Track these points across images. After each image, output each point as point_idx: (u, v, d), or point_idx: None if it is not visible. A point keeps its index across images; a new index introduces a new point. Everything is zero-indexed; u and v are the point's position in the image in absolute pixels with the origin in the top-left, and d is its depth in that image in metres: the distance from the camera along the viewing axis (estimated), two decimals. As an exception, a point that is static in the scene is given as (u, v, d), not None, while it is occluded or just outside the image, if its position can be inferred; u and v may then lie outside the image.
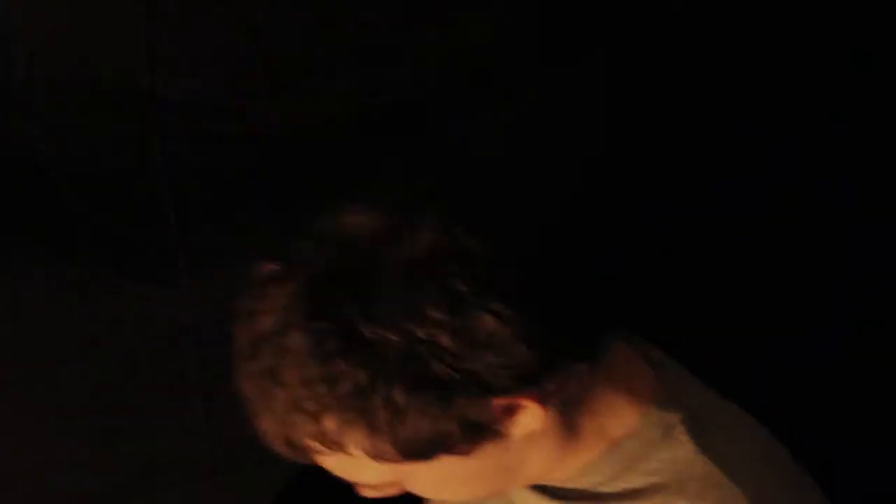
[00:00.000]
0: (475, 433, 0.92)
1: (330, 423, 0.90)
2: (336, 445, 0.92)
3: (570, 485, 1.04)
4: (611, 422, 1.02)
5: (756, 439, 1.07)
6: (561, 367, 0.95)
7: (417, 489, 1.00)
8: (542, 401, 0.94)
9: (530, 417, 0.94)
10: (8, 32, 1.26)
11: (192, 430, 1.49)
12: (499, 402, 0.92)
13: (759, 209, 1.61)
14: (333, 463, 0.97)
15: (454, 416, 0.90)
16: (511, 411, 0.93)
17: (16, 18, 1.26)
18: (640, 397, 1.03)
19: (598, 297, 0.99)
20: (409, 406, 0.89)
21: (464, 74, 1.39)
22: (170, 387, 1.47)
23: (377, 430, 0.90)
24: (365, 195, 0.97)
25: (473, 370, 0.89)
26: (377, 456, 0.92)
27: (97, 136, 1.33)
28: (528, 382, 0.92)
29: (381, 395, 0.88)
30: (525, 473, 1.02)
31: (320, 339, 0.88)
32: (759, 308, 1.64)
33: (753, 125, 1.57)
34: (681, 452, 1.01)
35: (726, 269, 1.63)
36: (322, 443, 0.93)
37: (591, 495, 1.03)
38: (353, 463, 0.95)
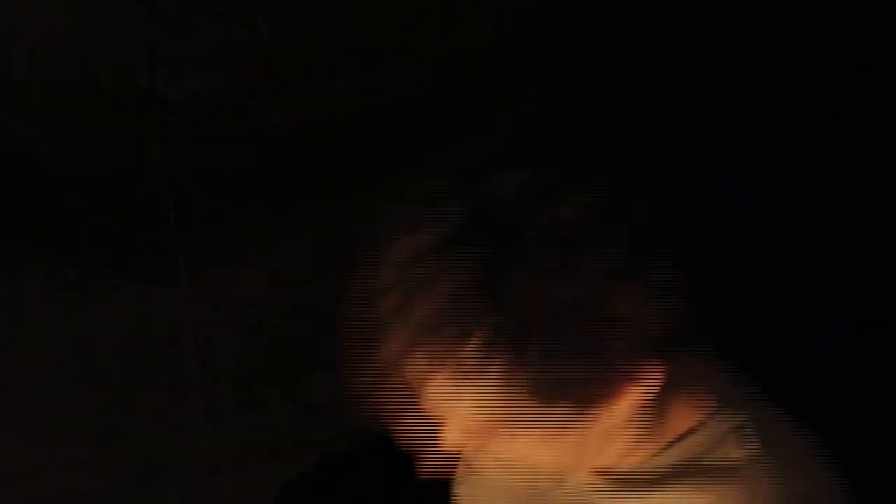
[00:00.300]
0: (603, 385, 0.95)
1: (477, 343, 0.91)
2: (471, 367, 0.93)
3: (625, 472, 1.07)
4: (680, 417, 1.05)
5: (807, 449, 1.10)
6: (673, 354, 0.97)
7: (512, 439, 1.01)
8: (643, 385, 0.96)
9: (646, 387, 0.97)
10: (8, 32, 1.26)
11: (192, 430, 1.49)
12: (611, 374, 0.94)
13: (760, 209, 1.61)
14: (450, 388, 0.96)
15: (600, 361, 0.92)
16: (634, 375, 0.95)
17: (16, 18, 1.26)
18: (708, 397, 1.06)
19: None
20: (565, 341, 0.90)
21: (464, 74, 1.39)
22: (170, 387, 1.47)
23: (523, 361, 0.91)
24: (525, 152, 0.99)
25: (607, 337, 0.91)
26: (508, 385, 0.93)
27: (97, 136, 1.33)
28: (642, 358, 0.94)
29: (540, 325, 0.90)
30: (612, 448, 1.05)
31: (493, 260, 0.90)
32: (759, 308, 1.64)
33: (753, 125, 1.57)
34: (744, 452, 1.03)
35: (726, 269, 1.63)
36: (458, 362, 0.93)
37: (640, 476, 1.06)
38: (473, 390, 0.95)
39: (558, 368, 0.92)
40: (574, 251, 0.91)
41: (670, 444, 1.05)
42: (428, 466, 1.06)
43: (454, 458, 1.07)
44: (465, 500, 1.25)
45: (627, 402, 0.97)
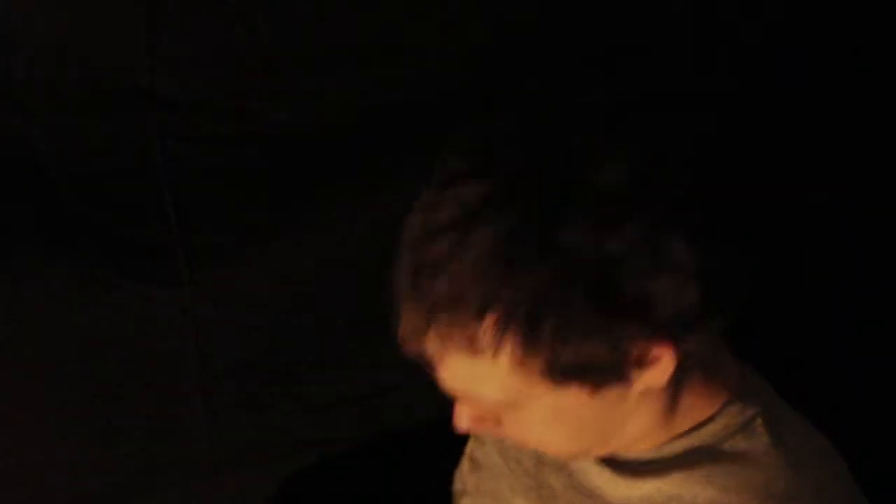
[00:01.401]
0: (616, 368, 0.93)
1: (490, 322, 0.90)
2: (484, 347, 0.91)
3: (635, 456, 1.06)
4: (700, 405, 1.05)
5: (818, 443, 1.10)
6: (708, 328, 0.96)
7: (521, 424, 1.00)
8: (656, 369, 0.95)
9: (659, 372, 0.95)
10: (8, 32, 1.26)
11: (192, 430, 1.49)
12: (646, 344, 0.93)
13: (759, 209, 1.61)
14: (461, 368, 0.95)
15: (614, 342, 0.91)
16: (648, 359, 0.94)
17: (16, 18, 1.26)
18: (727, 387, 1.06)
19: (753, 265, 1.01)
20: (580, 319, 0.89)
21: (464, 74, 1.39)
22: (170, 387, 1.47)
23: (537, 339, 0.90)
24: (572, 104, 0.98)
25: (650, 298, 0.89)
26: (520, 365, 0.91)
27: (97, 136, 1.33)
28: (681, 330, 0.93)
29: (556, 303, 0.88)
30: (622, 435, 1.03)
31: (510, 238, 0.88)
32: (759, 308, 1.64)
33: (753, 125, 1.57)
34: (756, 444, 1.04)
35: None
36: (471, 342, 0.91)
37: (648, 463, 1.05)
38: (484, 372, 0.93)
39: (571, 349, 0.90)
40: (595, 226, 0.88)
41: (681, 435, 1.04)
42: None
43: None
44: (466, 498, 1.25)
45: (641, 386, 0.96)
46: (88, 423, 1.45)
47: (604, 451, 1.06)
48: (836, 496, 1.05)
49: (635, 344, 0.92)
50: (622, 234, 0.88)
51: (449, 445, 1.33)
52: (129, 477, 1.50)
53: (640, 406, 1.00)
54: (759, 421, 1.04)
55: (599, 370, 0.93)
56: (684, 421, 1.05)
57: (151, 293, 1.41)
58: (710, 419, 1.04)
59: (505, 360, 0.91)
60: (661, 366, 0.95)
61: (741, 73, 1.54)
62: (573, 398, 0.95)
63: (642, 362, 0.94)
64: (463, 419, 1.01)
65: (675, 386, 1.01)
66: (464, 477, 1.27)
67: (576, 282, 0.88)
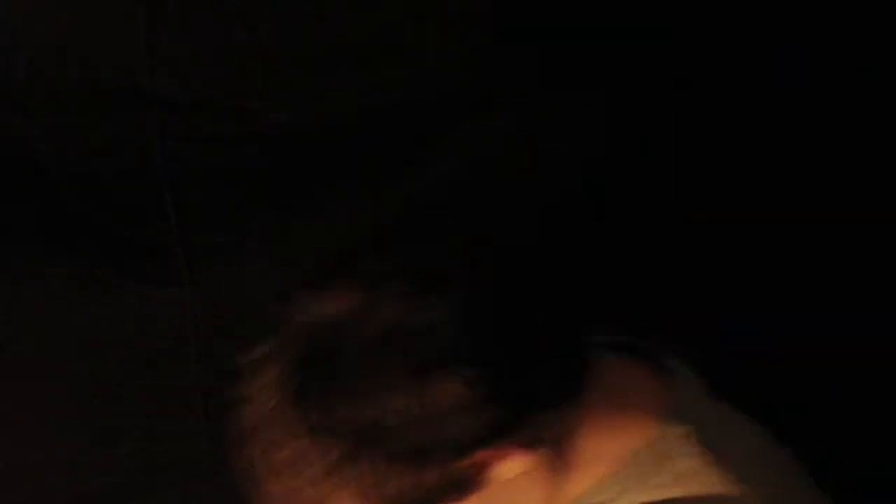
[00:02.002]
0: (460, 487, 0.95)
1: (321, 491, 0.95)
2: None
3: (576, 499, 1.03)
4: (614, 441, 1.01)
5: (763, 447, 1.07)
6: (539, 414, 0.96)
7: None
8: (526, 445, 0.95)
9: (516, 463, 0.95)
10: (8, 32, 1.26)
11: (192, 430, 1.49)
12: (479, 455, 0.94)
13: (759, 209, 1.61)
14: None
15: (435, 477, 0.93)
16: (494, 461, 0.95)
17: (16, 18, 1.26)
18: (646, 412, 1.02)
19: (575, 332, 0.99)
20: (390, 473, 0.93)
21: (464, 74, 1.39)
22: (170, 387, 1.47)
23: (365, 495, 0.94)
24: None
25: (446, 435, 0.92)
26: None
27: (97, 136, 1.33)
28: (506, 435, 0.93)
29: (363, 464, 0.93)
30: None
31: (301, 419, 0.94)
32: (759, 308, 1.64)
33: (753, 125, 1.57)
34: (695, 464, 1.00)
35: (726, 268, 1.63)
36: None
37: None
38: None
39: (399, 489, 0.93)
40: (383, 371, 0.92)
41: (618, 467, 1.01)
42: None
43: None
44: None
45: (508, 474, 0.96)
46: (88, 423, 1.45)
47: None
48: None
49: (461, 467, 0.93)
50: (393, 394, 0.91)
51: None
52: (129, 477, 1.50)
53: (524, 483, 0.98)
54: (692, 439, 1.00)
55: (442, 496, 0.95)
56: (616, 450, 1.01)
57: (151, 293, 1.41)
58: (644, 445, 1.00)
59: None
60: (511, 459, 0.95)
61: (741, 72, 1.54)
62: None
63: (488, 467, 0.94)
64: None
65: (556, 450, 0.98)
66: None
67: (369, 447, 0.92)
